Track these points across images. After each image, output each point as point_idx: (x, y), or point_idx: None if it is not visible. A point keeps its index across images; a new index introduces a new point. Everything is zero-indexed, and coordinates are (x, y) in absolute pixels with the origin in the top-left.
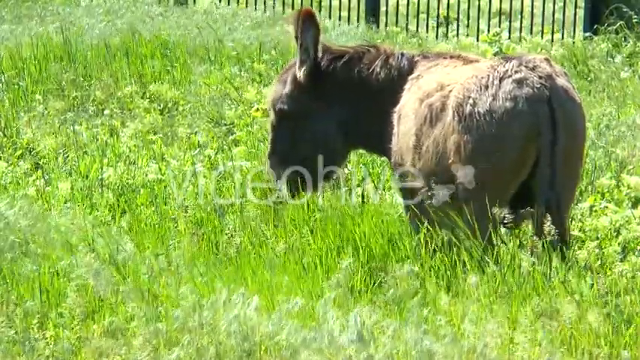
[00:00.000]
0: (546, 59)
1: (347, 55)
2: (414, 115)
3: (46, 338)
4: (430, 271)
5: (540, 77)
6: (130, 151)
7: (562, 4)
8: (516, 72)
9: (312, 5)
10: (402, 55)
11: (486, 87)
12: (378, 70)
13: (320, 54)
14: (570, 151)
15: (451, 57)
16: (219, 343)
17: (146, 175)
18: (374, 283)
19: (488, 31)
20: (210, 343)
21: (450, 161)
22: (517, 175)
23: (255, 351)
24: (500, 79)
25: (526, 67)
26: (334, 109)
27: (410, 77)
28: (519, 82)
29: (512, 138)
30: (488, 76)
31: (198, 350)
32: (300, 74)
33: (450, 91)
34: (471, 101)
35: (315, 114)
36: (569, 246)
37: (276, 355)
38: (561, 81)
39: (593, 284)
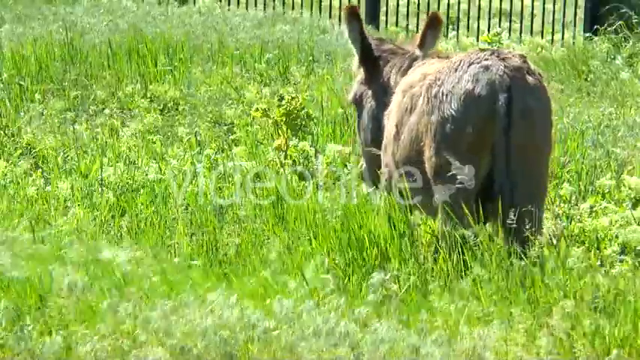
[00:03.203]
0: (522, 56)
1: (381, 59)
2: (397, 108)
3: (39, 338)
4: (432, 270)
5: (506, 67)
6: (130, 151)
7: (562, 4)
8: (486, 60)
9: (312, 5)
10: (410, 55)
11: (455, 70)
12: (395, 72)
13: (368, 48)
14: (527, 143)
15: (446, 57)
16: (203, 345)
17: (146, 175)
18: (371, 283)
19: (489, 31)
20: (193, 344)
21: (422, 144)
22: (475, 160)
23: (242, 351)
24: (469, 64)
25: (497, 57)
26: (370, 109)
27: (393, 79)
28: (485, 68)
29: (469, 119)
30: (460, 61)
31: (182, 350)
32: (354, 68)
33: (428, 78)
34: (439, 82)
35: (361, 112)
36: (532, 242)
37: (266, 355)
38: (530, 78)
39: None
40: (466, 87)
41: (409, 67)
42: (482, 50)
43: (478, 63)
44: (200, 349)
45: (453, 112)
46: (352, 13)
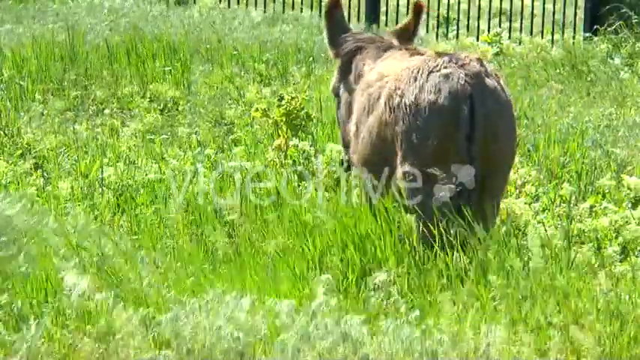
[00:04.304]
0: (478, 59)
1: (354, 48)
2: (357, 106)
3: (42, 337)
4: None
5: (466, 74)
6: (130, 150)
7: (562, 4)
8: (445, 67)
9: (312, 5)
10: (384, 45)
11: (415, 79)
12: (368, 61)
13: (341, 43)
14: (489, 147)
15: (406, 49)
16: (211, 345)
17: (146, 175)
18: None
19: (489, 31)
20: (201, 345)
21: (388, 150)
22: (442, 168)
23: (248, 352)
24: (429, 73)
25: (455, 63)
26: (345, 100)
27: (367, 69)
28: (446, 77)
29: (433, 130)
30: (419, 69)
31: (189, 352)
32: (332, 55)
33: (387, 82)
34: (399, 92)
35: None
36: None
37: (270, 356)
38: (489, 81)
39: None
40: (429, 98)
41: (384, 52)
42: (439, 55)
43: (438, 71)
44: (206, 350)
45: (418, 124)
46: (334, 3)
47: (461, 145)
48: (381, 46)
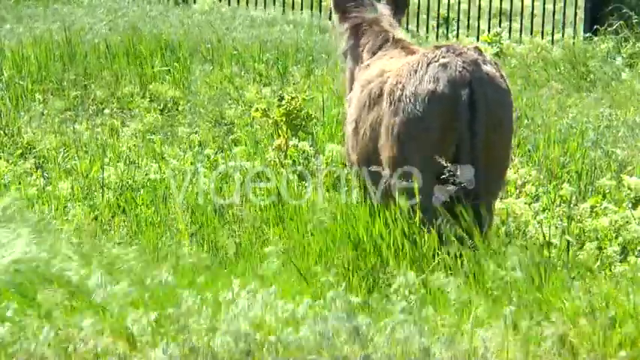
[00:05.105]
0: (476, 47)
1: (355, 25)
2: (357, 102)
3: (41, 335)
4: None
5: (464, 62)
6: (130, 150)
7: (562, 4)
8: (443, 57)
9: (312, 5)
10: (382, 37)
11: (415, 72)
12: (367, 49)
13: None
14: (491, 134)
15: (402, 48)
16: (217, 342)
17: (146, 174)
18: (373, 284)
19: (489, 31)
20: (207, 342)
21: (381, 144)
22: (443, 156)
23: (253, 350)
24: (428, 64)
25: (453, 53)
26: (349, 69)
27: (363, 65)
28: (444, 66)
29: (433, 118)
30: (419, 62)
31: (193, 349)
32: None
33: (388, 77)
34: (400, 86)
35: None
36: (487, 231)
37: (274, 355)
38: (487, 68)
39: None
40: (428, 87)
41: (379, 49)
42: (438, 47)
43: (436, 61)
44: (211, 348)
45: (418, 113)
46: None
47: (462, 137)
48: (379, 37)
